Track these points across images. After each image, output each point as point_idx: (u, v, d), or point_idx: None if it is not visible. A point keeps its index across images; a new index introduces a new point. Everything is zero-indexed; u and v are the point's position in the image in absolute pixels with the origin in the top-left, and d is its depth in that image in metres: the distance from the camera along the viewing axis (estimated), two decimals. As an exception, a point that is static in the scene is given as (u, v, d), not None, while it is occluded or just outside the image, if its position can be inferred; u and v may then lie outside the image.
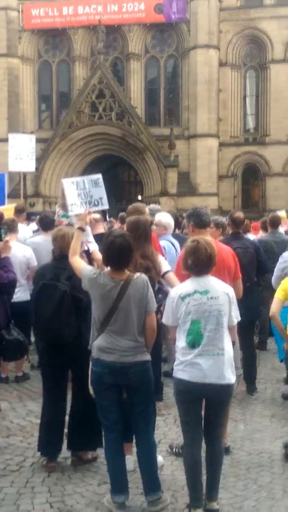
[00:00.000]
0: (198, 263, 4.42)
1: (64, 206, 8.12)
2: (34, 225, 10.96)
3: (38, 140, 32.36)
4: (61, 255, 5.55)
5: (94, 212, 6.37)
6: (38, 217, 10.04)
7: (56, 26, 36.83)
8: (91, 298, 4.67)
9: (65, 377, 5.53)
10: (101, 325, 4.53)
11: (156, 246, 6.69)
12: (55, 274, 5.43)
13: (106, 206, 6.26)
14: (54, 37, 38.10)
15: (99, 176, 6.31)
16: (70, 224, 8.05)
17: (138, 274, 4.61)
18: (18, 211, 9.90)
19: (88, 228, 6.61)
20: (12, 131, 29.32)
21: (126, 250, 4.55)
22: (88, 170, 32.73)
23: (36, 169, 27.87)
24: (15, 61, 36.95)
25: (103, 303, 4.51)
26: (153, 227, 7.74)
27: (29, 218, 12.55)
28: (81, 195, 6.06)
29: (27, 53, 37.60)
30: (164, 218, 8.00)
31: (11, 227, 7.84)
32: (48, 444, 5.41)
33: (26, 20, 36.86)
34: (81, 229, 5.34)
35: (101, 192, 6.18)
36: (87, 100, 34.90)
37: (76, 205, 6.03)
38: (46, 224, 8.90)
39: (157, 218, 7.88)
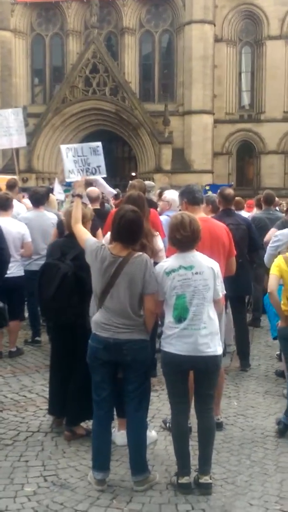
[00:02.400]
0: (183, 238, 4.41)
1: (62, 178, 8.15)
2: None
3: (31, 115, 32.23)
4: (69, 232, 5.49)
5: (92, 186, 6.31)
6: (29, 193, 9.95)
7: (49, -1, 36.30)
8: (91, 272, 4.58)
9: (71, 353, 5.45)
10: (99, 300, 4.48)
11: (157, 222, 6.70)
12: (63, 252, 5.37)
13: (103, 174, 6.19)
14: (47, 10, 37.55)
15: (98, 144, 6.22)
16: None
17: (139, 253, 4.48)
18: (9, 186, 9.79)
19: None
20: (4, 105, 28.99)
21: (136, 225, 4.44)
22: (81, 146, 32.48)
23: (29, 144, 27.55)
24: (8, 34, 36.46)
25: (100, 278, 4.43)
26: (159, 202, 8.13)
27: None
28: (78, 162, 5.97)
29: (19, 26, 37.06)
30: (170, 194, 8.62)
31: (5, 204, 7.77)
32: (54, 399, 5.59)
33: (19, -7, 36.32)
34: (79, 196, 5.28)
35: (99, 160, 6.10)
36: (80, 75, 34.52)
37: (73, 172, 5.95)
38: (37, 199, 8.80)
39: (163, 194, 8.66)
